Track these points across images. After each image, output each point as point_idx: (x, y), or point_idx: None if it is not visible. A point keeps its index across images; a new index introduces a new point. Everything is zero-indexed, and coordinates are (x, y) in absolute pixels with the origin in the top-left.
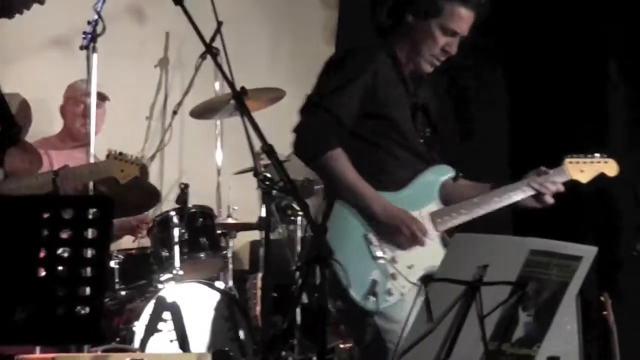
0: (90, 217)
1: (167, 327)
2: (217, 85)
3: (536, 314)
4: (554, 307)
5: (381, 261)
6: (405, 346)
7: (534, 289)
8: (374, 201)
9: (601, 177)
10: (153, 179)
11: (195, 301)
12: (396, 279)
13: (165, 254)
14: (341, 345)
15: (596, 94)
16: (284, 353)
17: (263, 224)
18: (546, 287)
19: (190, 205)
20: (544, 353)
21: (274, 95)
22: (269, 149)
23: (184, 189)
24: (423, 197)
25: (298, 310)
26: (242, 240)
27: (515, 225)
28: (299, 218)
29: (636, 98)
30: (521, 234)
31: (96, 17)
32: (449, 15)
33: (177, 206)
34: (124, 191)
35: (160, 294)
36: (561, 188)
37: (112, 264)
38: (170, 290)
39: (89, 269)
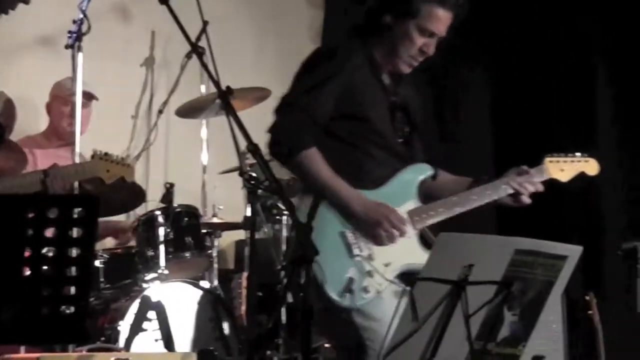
0: (75, 216)
1: (152, 326)
2: (202, 84)
3: (521, 313)
4: (539, 306)
5: (358, 259)
6: (390, 346)
7: (519, 288)
8: (351, 198)
9: (582, 176)
10: (138, 178)
11: (180, 300)
12: (373, 276)
13: (150, 253)
14: (326, 345)
15: (579, 92)
16: (269, 352)
17: (248, 224)
18: (531, 287)
19: (175, 204)
20: (529, 352)
21: (259, 94)
22: (254, 149)
23: (169, 188)
24: (401, 195)
25: (283, 310)
26: (227, 240)
27: (500, 224)
28: (285, 217)
29: (622, 96)
30: (506, 233)
31: (81, 16)
32: (426, 16)
33: (162, 205)
34: (109, 191)
35: (145, 293)
36: (540, 188)
37: (97, 263)
38: (155, 289)
39: (73, 269)
